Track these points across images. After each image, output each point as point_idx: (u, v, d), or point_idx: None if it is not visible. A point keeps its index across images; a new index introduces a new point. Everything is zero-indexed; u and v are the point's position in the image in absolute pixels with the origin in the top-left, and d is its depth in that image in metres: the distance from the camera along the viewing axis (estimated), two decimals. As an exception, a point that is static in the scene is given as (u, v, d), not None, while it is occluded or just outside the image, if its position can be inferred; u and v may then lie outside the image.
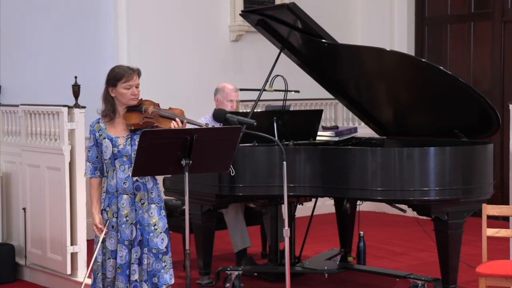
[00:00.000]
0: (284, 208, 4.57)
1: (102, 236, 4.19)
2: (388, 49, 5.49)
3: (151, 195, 4.22)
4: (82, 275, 5.75)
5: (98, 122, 4.25)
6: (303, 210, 6.46)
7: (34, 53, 6.98)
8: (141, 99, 4.26)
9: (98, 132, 4.22)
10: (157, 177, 4.29)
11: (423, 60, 5.41)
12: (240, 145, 5.04)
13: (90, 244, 6.12)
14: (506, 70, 8.03)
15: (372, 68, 5.42)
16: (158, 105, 4.25)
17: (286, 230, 4.18)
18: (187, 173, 3.94)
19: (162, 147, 3.87)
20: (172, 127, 4.12)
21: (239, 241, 5.81)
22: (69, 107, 5.77)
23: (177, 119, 4.15)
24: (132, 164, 4.08)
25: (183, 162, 3.91)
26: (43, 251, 5.98)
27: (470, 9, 8.32)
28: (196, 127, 4.13)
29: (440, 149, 4.76)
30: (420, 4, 8.71)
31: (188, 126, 4.21)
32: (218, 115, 4.80)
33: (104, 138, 4.18)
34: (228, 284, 5.33)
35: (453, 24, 8.48)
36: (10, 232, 6.43)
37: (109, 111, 4.21)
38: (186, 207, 4.05)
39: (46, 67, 7.03)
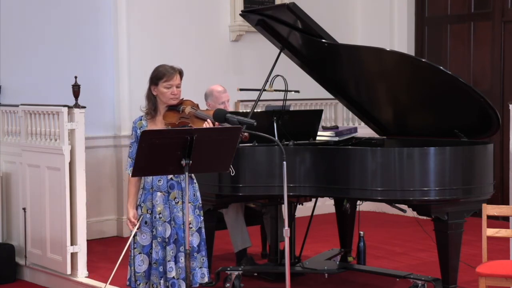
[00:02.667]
0: (284, 208, 4.57)
1: (134, 230, 4.26)
2: (388, 49, 5.49)
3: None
4: (82, 275, 5.76)
5: (141, 119, 4.37)
6: (303, 210, 6.46)
7: (34, 53, 6.98)
8: (182, 98, 4.36)
9: (140, 129, 4.31)
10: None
11: (423, 60, 5.41)
12: (240, 145, 5.04)
13: (90, 244, 6.15)
14: (506, 70, 8.03)
15: (372, 68, 5.42)
16: (197, 105, 4.38)
17: (286, 230, 4.18)
18: (187, 173, 3.95)
19: (162, 147, 3.88)
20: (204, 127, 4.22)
21: (239, 241, 5.81)
22: (69, 107, 5.77)
23: (208, 120, 4.27)
24: None
25: (183, 162, 3.92)
26: (43, 251, 5.98)
27: (470, 9, 8.32)
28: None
29: (440, 149, 4.76)
30: (420, 4, 8.71)
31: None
32: (218, 115, 4.79)
33: None
34: (228, 284, 5.33)
35: (453, 24, 8.47)
36: (10, 232, 6.43)
37: (151, 109, 4.33)
38: (187, 207, 4.06)
39: (46, 67, 7.02)
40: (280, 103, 5.60)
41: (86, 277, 5.75)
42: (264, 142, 5.17)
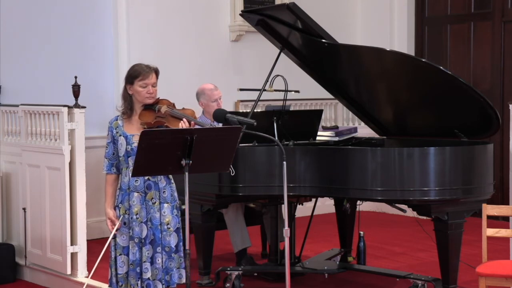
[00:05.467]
0: (284, 208, 4.57)
1: (114, 231, 4.24)
2: (388, 49, 5.48)
3: (164, 194, 4.27)
4: (82, 275, 5.76)
5: (117, 119, 4.34)
6: (303, 210, 6.45)
7: (34, 53, 6.98)
8: (158, 98, 4.33)
9: (116, 129, 4.30)
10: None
11: (423, 60, 5.41)
12: (240, 145, 5.04)
13: (90, 244, 6.15)
14: (506, 70, 8.02)
15: (372, 68, 5.42)
16: (173, 105, 4.34)
17: (286, 230, 4.18)
18: (187, 173, 3.95)
19: (162, 147, 3.88)
20: (180, 127, 4.18)
21: (239, 241, 5.81)
22: (69, 107, 5.77)
23: (184, 119, 4.23)
24: None
25: (183, 162, 3.92)
26: (43, 251, 5.99)
27: (470, 9, 8.32)
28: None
29: (440, 149, 4.76)
30: (420, 4, 8.71)
31: (196, 127, 4.25)
32: (218, 115, 4.80)
33: (120, 135, 4.27)
34: (228, 284, 5.33)
35: (453, 24, 8.47)
36: (10, 232, 6.44)
37: (127, 108, 4.30)
38: (186, 207, 4.05)
39: (46, 67, 7.03)
40: (280, 103, 5.60)
41: (86, 277, 5.75)
42: (264, 142, 5.17)
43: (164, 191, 4.28)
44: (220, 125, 5.17)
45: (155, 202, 4.26)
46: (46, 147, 5.92)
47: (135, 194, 4.24)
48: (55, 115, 5.84)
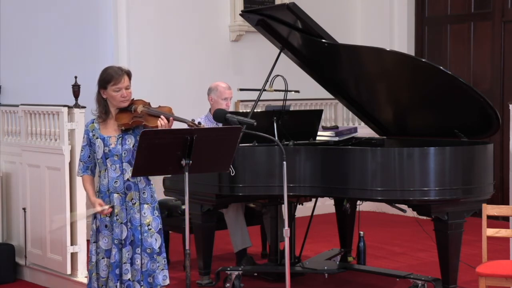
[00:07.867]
0: (284, 208, 4.57)
1: (107, 207, 4.17)
2: (388, 49, 5.48)
3: (143, 195, 4.24)
4: (82, 275, 5.75)
5: (92, 122, 4.32)
6: (303, 210, 6.46)
7: (34, 53, 6.98)
8: (133, 99, 4.30)
9: (92, 132, 4.27)
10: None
11: (423, 60, 5.41)
12: (240, 145, 5.04)
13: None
14: (506, 70, 8.03)
15: (372, 68, 5.42)
16: (148, 104, 4.30)
17: (286, 230, 4.19)
18: (187, 173, 3.94)
19: (162, 147, 3.88)
20: (159, 124, 4.14)
21: (239, 241, 5.81)
22: (69, 107, 5.77)
23: (162, 116, 4.18)
24: (123, 164, 4.16)
25: (183, 162, 3.92)
26: (43, 251, 5.98)
27: (470, 9, 8.32)
28: (184, 124, 4.16)
29: (440, 149, 4.76)
30: (420, 4, 8.71)
31: (175, 123, 4.23)
32: (218, 115, 4.80)
33: (97, 138, 4.24)
34: (228, 284, 5.33)
35: (453, 24, 8.48)
36: (10, 232, 6.43)
37: (102, 112, 4.28)
38: (186, 207, 4.06)
39: (46, 67, 7.03)
40: (280, 103, 5.60)
41: (86, 277, 5.75)
42: (264, 142, 5.17)
43: (144, 192, 4.24)
44: (220, 124, 5.17)
45: (135, 203, 4.23)
46: (46, 147, 5.92)
47: (115, 195, 4.21)
48: (55, 115, 5.84)
